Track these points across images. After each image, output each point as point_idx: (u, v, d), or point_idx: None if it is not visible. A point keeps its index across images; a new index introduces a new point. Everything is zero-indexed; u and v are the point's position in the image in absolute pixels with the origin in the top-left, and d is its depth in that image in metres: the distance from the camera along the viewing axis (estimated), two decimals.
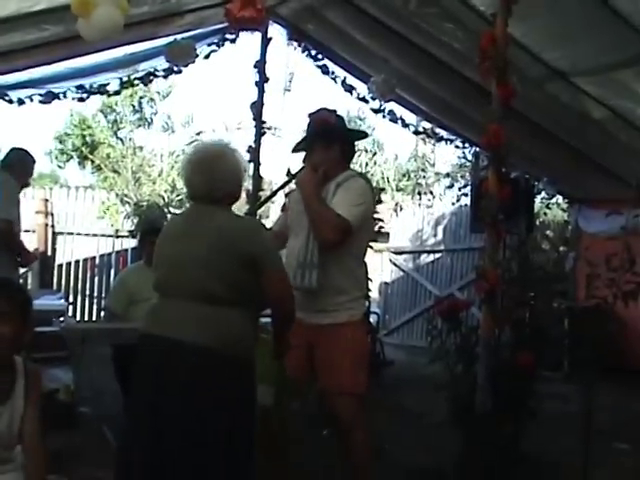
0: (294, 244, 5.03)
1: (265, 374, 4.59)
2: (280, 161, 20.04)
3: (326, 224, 4.88)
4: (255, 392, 4.17)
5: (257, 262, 4.06)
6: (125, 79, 9.40)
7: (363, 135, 6.13)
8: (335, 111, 5.35)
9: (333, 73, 10.27)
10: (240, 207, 20.14)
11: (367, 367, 5.08)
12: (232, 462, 3.93)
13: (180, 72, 9.48)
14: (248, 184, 10.74)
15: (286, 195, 5.68)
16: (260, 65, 9.78)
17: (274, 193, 5.24)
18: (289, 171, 5.32)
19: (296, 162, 5.47)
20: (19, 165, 7.20)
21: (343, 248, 4.96)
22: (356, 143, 5.53)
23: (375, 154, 27.26)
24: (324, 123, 5.22)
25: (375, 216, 8.44)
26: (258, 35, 9.64)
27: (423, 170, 26.14)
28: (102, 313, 12.51)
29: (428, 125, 11.73)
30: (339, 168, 5.12)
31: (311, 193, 4.98)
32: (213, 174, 4.20)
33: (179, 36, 9.04)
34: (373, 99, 10.28)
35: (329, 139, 5.17)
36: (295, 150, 5.29)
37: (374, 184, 21.38)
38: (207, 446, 3.87)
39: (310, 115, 5.29)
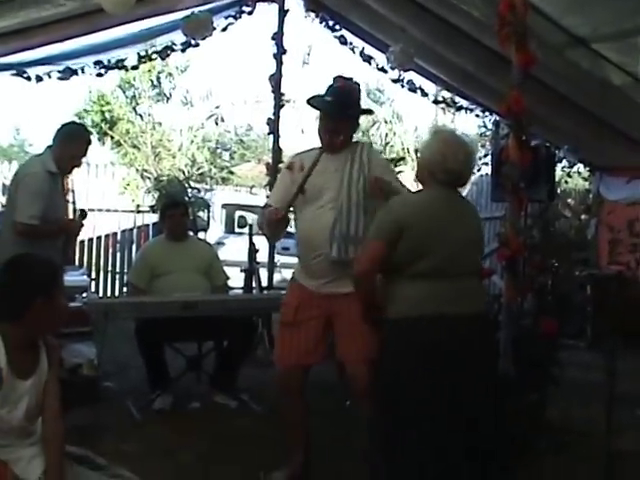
0: (319, 213, 5.00)
1: None
2: (299, 133, 20.06)
3: None
4: None
5: None
6: (143, 53, 9.39)
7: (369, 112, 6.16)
8: (358, 84, 5.34)
9: (351, 44, 10.25)
10: (260, 180, 20.05)
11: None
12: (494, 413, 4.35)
13: (198, 45, 9.46)
14: (268, 158, 10.76)
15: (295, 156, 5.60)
16: (278, 37, 9.78)
17: (308, 174, 5.13)
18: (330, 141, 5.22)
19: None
20: (59, 145, 6.44)
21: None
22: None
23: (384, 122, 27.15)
24: (355, 96, 5.21)
25: None
26: (275, 7, 9.63)
27: None
28: (124, 288, 12.57)
29: (447, 94, 11.68)
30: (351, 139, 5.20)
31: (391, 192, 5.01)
32: (472, 160, 4.55)
33: (196, 9, 9.03)
34: (392, 69, 10.24)
35: (356, 113, 5.24)
36: (312, 103, 5.23)
37: (394, 155, 21.34)
38: (488, 402, 4.28)
39: (340, 82, 5.22)
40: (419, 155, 4.64)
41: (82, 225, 6.67)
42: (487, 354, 4.41)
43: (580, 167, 13.34)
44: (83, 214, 6.67)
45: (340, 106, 5.06)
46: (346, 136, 5.10)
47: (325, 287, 5.01)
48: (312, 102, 5.17)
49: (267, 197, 5.41)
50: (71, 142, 6.45)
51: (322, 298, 5.02)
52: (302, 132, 19.34)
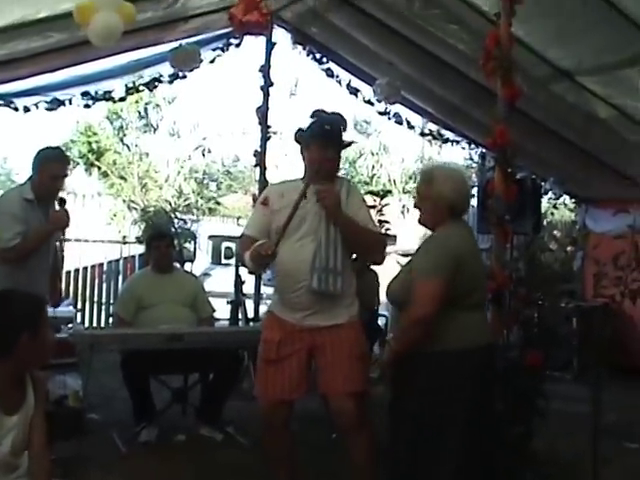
0: (298, 245, 4.98)
1: None
2: (286, 165, 20.12)
3: (378, 246, 5.18)
4: None
5: None
6: (130, 85, 9.40)
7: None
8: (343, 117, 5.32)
9: (338, 76, 10.28)
10: (247, 211, 20.11)
11: (368, 366, 5.12)
12: None
13: (185, 77, 9.48)
14: (255, 189, 10.77)
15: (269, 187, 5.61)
16: (265, 69, 9.81)
17: (296, 207, 5.08)
18: (319, 169, 5.11)
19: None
20: (38, 170, 6.27)
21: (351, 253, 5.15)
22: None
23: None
24: (342, 131, 5.21)
25: (382, 219, 8.53)
26: (262, 39, 9.66)
27: None
28: (110, 319, 12.52)
29: (434, 127, 11.72)
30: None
31: (347, 217, 5.00)
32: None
33: (184, 41, 9.06)
34: (379, 102, 10.29)
35: (342, 148, 5.23)
36: (315, 133, 5.11)
37: (380, 187, 21.41)
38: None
39: (331, 117, 5.19)
40: (435, 194, 4.52)
41: (67, 212, 6.26)
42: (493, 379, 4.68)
43: (566, 198, 13.39)
44: (62, 202, 6.28)
45: (339, 134, 5.12)
46: (338, 166, 5.15)
47: (307, 320, 4.99)
48: (315, 131, 5.10)
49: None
50: (50, 163, 6.30)
51: (304, 331, 5.00)
52: (276, 168, 19.42)
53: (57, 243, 6.70)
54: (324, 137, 5.05)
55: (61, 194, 6.35)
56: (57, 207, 6.30)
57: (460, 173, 4.73)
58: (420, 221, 4.65)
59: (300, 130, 5.18)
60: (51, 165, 6.30)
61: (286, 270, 5.02)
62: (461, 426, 4.25)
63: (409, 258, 4.68)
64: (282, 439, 5.17)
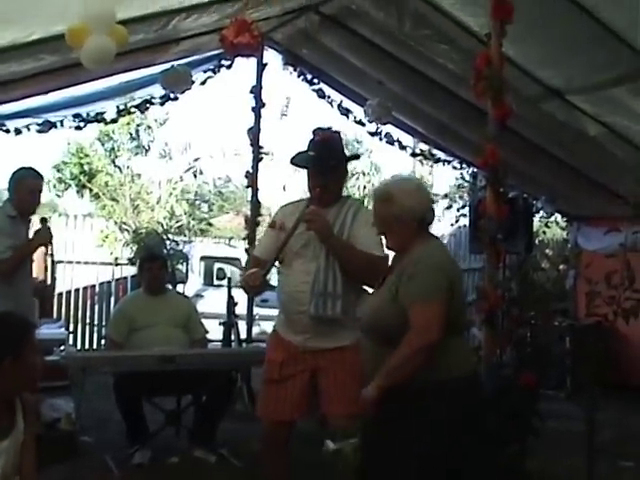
0: (303, 269, 4.98)
1: None
2: (279, 186, 20.11)
3: (374, 270, 4.84)
4: None
5: None
6: (122, 107, 9.40)
7: (356, 157, 6.15)
8: (338, 132, 5.31)
9: (329, 97, 10.30)
10: (239, 232, 20.03)
11: None
12: None
13: (177, 99, 9.48)
14: (247, 210, 10.78)
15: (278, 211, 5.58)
16: (256, 90, 9.83)
17: (291, 232, 5.05)
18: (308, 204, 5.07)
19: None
20: (15, 188, 6.59)
21: None
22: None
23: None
24: (337, 145, 5.19)
25: None
26: (254, 61, 9.68)
27: None
28: (103, 341, 12.49)
29: (425, 147, 11.75)
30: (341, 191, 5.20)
31: (339, 240, 4.96)
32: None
33: (175, 63, 9.06)
34: (370, 122, 10.31)
35: (342, 161, 5.20)
36: (296, 163, 5.21)
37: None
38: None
39: (320, 135, 5.16)
40: (397, 210, 4.14)
41: (49, 229, 6.69)
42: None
43: (558, 217, 13.41)
44: (44, 220, 6.68)
45: (324, 159, 5.02)
46: (336, 188, 5.10)
47: (309, 342, 4.99)
48: (296, 161, 5.16)
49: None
50: (26, 179, 6.62)
51: (307, 353, 5.00)
52: (284, 189, 19.40)
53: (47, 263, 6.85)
54: (311, 165, 5.10)
55: (43, 212, 6.55)
56: (39, 225, 6.63)
57: (415, 182, 4.54)
58: (388, 246, 4.38)
59: (295, 155, 5.19)
60: (27, 181, 6.62)
61: (290, 293, 5.05)
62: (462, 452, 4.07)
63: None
64: (281, 459, 5.17)
